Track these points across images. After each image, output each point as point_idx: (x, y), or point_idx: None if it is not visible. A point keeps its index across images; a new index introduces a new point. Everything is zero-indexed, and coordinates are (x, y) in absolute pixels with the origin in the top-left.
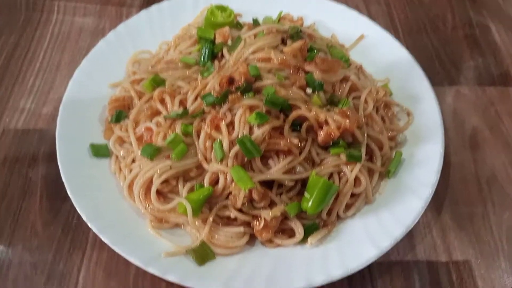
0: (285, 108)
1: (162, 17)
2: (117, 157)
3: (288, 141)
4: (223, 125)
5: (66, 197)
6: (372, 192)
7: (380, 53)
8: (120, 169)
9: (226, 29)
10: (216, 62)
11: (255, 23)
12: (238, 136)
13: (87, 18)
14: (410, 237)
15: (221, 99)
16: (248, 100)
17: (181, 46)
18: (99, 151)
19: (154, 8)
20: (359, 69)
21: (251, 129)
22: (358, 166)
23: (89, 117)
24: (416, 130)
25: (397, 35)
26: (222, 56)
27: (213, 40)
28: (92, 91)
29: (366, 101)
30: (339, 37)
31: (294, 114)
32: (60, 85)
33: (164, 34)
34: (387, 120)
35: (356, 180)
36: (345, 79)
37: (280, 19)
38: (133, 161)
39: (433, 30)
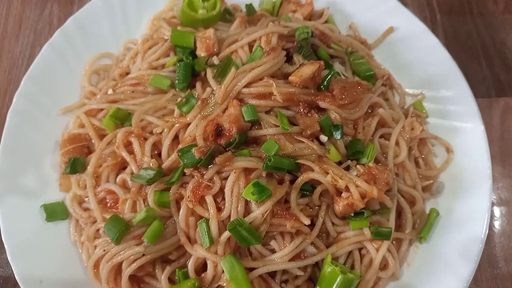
0: (292, 169)
1: (124, 4)
2: (77, 221)
3: (296, 221)
4: (209, 199)
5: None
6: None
7: (412, 53)
8: (83, 242)
9: (210, 34)
10: (198, 86)
11: (250, 11)
12: (229, 216)
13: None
14: None
15: (206, 162)
16: (242, 162)
17: (151, 54)
18: (55, 213)
19: None
20: (387, 80)
21: (247, 204)
22: (385, 245)
23: (38, 160)
24: (456, 172)
25: (433, 17)
26: (205, 75)
27: (193, 49)
28: (38, 122)
29: (397, 143)
30: (359, 27)
31: (304, 178)
32: None
33: (129, 27)
34: (421, 163)
35: (382, 259)
36: (370, 109)
37: (282, 3)
38: (98, 231)
39: (480, 12)
